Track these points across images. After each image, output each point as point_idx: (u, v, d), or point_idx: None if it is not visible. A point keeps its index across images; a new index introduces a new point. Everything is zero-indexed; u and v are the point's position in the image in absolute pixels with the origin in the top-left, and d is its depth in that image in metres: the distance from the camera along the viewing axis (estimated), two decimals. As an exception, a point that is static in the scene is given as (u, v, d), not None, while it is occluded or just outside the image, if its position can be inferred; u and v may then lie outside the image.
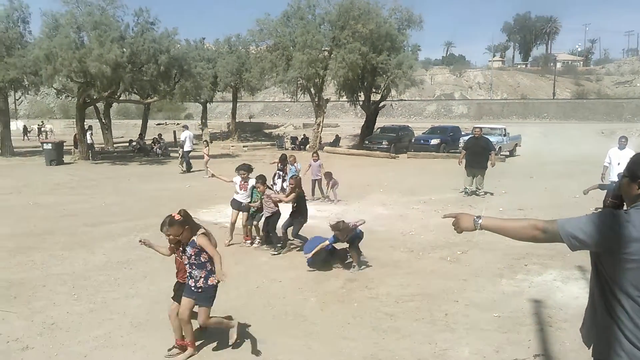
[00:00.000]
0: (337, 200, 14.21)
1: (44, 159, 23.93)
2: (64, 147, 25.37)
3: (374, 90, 34.12)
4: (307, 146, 33.43)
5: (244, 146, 35.96)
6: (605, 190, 11.89)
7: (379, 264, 8.22)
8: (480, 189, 14.73)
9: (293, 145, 35.04)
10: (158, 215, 11.74)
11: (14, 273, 7.72)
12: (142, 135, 34.19)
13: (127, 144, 33.94)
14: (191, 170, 21.48)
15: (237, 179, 9.62)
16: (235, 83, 40.06)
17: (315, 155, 15.08)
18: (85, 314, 6.13)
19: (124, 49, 24.53)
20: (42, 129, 45.05)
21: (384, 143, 30.55)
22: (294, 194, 8.95)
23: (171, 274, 7.60)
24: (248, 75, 37.02)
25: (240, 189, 9.56)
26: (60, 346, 5.29)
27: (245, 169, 9.59)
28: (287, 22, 32.25)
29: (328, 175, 14.59)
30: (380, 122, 37.47)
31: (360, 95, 35.08)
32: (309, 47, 29.43)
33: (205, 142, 22.16)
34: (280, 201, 9.04)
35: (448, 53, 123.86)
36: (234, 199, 9.72)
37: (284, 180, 12.83)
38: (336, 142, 35.26)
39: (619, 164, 11.78)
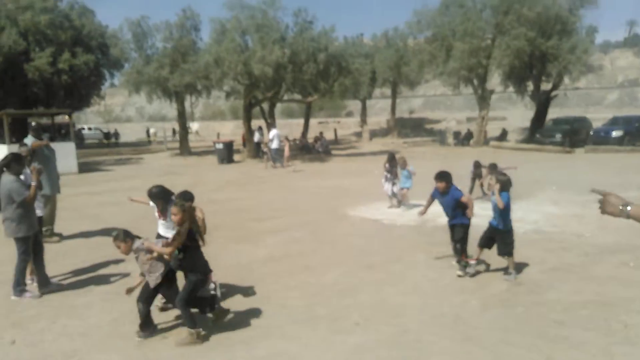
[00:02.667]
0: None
1: (216, 158, 25.81)
2: (234, 147, 27.21)
3: (544, 78, 31.92)
4: (471, 141, 32.22)
5: (403, 142, 35.77)
6: None
7: (549, 268, 7.55)
8: None
9: (456, 141, 33.99)
10: (318, 210, 12.18)
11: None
12: (304, 134, 35.50)
13: (291, 143, 35.46)
14: (278, 166, 23.06)
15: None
16: (394, 78, 39.92)
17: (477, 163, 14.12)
18: (248, 304, 6.38)
19: (285, 50, 25.61)
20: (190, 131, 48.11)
21: (557, 136, 28.43)
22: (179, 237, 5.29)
23: (328, 268, 7.78)
24: (407, 69, 36.71)
25: (159, 218, 6.59)
26: (223, 332, 5.55)
27: (155, 195, 6.49)
28: (446, 11, 31.40)
29: (493, 168, 13.01)
30: (553, 113, 34.88)
31: (528, 85, 33.02)
32: (470, 36, 28.37)
33: (286, 138, 23.27)
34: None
35: (631, 33, 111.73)
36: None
37: (394, 185, 12.31)
38: (503, 136, 33.61)
39: None
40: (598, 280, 6.93)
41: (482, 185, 13.53)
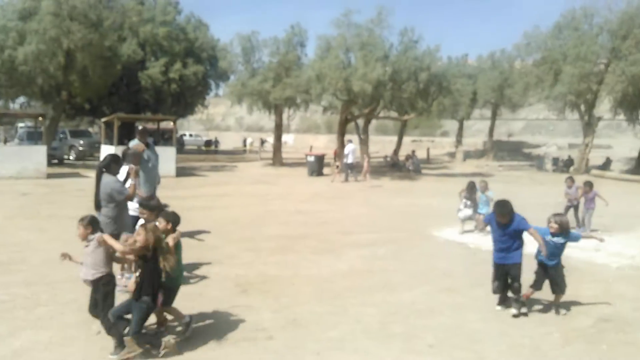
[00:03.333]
0: (590, 231, 11.95)
1: (306, 170, 26.29)
2: (324, 160, 27.60)
3: (659, 107, 29.91)
4: (571, 168, 30.73)
5: (499, 165, 34.72)
6: None
7: (641, 306, 7.10)
8: None
9: (554, 167, 32.56)
10: (403, 229, 12.14)
11: (269, 269, 8.59)
12: (396, 151, 35.38)
13: (382, 159, 35.46)
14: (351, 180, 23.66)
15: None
16: (496, 100, 38.96)
17: (587, 187, 12.58)
18: (324, 315, 6.49)
19: (387, 68, 25.72)
20: (264, 142, 48.55)
21: (668, 168, 26.50)
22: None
23: (408, 287, 7.75)
24: (510, 91, 35.72)
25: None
26: (298, 341, 5.68)
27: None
28: (559, 34, 30.29)
29: (588, 185, 12.55)
30: (666, 144, 32.60)
31: (640, 113, 31.08)
32: (582, 60, 27.20)
33: (366, 154, 24.81)
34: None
35: None
36: None
37: (475, 211, 12.00)
38: (606, 165, 31.79)
39: None
40: (698, 325, 6.44)
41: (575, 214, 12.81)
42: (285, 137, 52.44)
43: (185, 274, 6.98)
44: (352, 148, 24.54)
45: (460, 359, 5.33)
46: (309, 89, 27.55)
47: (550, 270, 6.74)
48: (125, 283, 7.07)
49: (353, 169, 24.45)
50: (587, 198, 12.42)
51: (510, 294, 6.75)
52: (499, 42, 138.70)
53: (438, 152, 46.65)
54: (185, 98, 38.45)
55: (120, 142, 22.40)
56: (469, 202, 12.08)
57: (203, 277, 7.97)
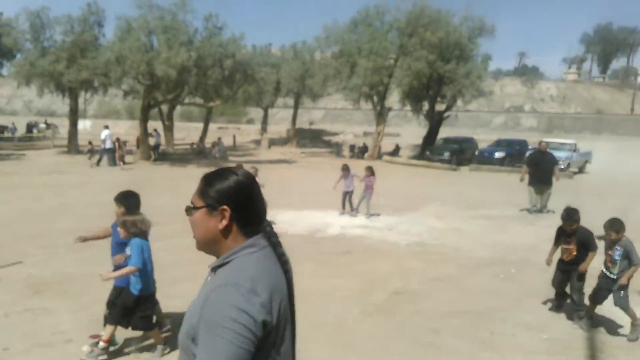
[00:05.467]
0: (370, 215, 12.80)
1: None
2: (127, 148, 26.29)
3: (439, 99, 33.43)
4: (366, 154, 33.18)
5: (301, 152, 36.15)
6: None
7: (428, 278, 7.95)
8: (545, 207, 14.01)
9: (351, 153, 34.85)
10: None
11: (67, 267, 7.94)
12: (202, 138, 34.97)
13: (188, 147, 34.80)
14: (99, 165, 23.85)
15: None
16: (298, 89, 40.36)
17: (369, 171, 13.05)
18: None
19: (191, 53, 25.12)
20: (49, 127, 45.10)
21: (445, 154, 29.84)
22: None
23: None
24: (311, 81, 37.24)
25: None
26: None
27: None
28: (355, 28, 32.13)
29: (369, 170, 13.01)
30: (444, 132, 36.75)
31: (424, 105, 34.51)
32: (374, 55, 29.24)
33: (117, 140, 24.69)
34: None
35: (521, 63, 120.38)
36: None
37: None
38: (396, 151, 34.83)
39: None
40: (472, 291, 7.40)
41: None
42: (82, 123, 48.62)
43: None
44: (108, 133, 24.11)
45: (269, 342, 5.44)
46: (107, 72, 25.79)
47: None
48: None
49: (111, 154, 24.10)
50: (367, 182, 12.84)
51: None
52: (302, 34, 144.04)
53: (244, 139, 47.05)
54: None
55: None
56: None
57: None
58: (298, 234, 10.87)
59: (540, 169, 14.03)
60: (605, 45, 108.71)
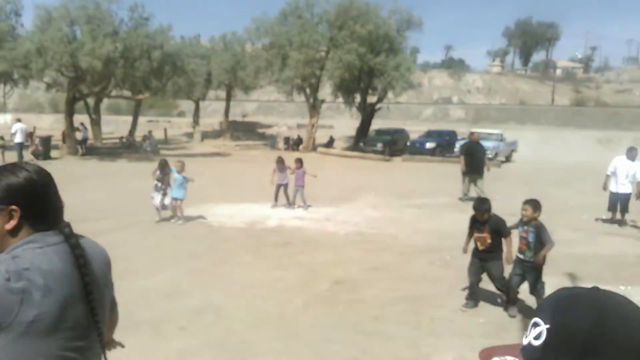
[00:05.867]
0: (307, 206, 12.81)
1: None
2: (52, 142, 25.18)
3: (370, 92, 33.84)
4: (301, 146, 33.23)
5: (236, 145, 35.73)
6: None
7: (368, 267, 8.05)
8: (482, 194, 14.43)
9: (286, 146, 34.81)
10: (144, 212, 11.66)
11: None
12: (131, 132, 33.93)
13: (117, 141, 33.66)
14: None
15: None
16: (230, 81, 39.81)
17: (298, 163, 12.83)
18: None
19: (117, 44, 24.26)
20: None
21: (378, 145, 30.33)
22: None
23: (153, 272, 7.49)
24: (243, 73, 36.84)
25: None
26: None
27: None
28: (285, 20, 32.01)
29: (298, 162, 12.82)
30: (376, 124, 37.31)
31: (356, 97, 34.84)
32: (305, 47, 29.24)
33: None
34: None
35: (447, 56, 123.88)
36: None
37: (165, 195, 10.94)
38: (330, 143, 35.06)
39: (626, 176, 11.45)
40: (410, 278, 7.55)
41: None
42: (2, 117, 46.18)
43: None
44: (19, 127, 23.21)
45: (212, 338, 5.37)
46: (28, 64, 24.52)
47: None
48: None
49: (19, 149, 22.97)
50: (298, 174, 12.68)
51: None
52: (231, 25, 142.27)
53: (175, 132, 45.97)
54: None
55: None
56: (159, 184, 10.99)
57: None
58: (236, 227, 10.77)
59: (476, 160, 14.44)
60: (526, 39, 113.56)
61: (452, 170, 23.40)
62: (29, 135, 23.16)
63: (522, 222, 6.13)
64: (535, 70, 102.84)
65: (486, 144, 29.25)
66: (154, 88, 29.61)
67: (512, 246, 6.25)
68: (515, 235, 6.27)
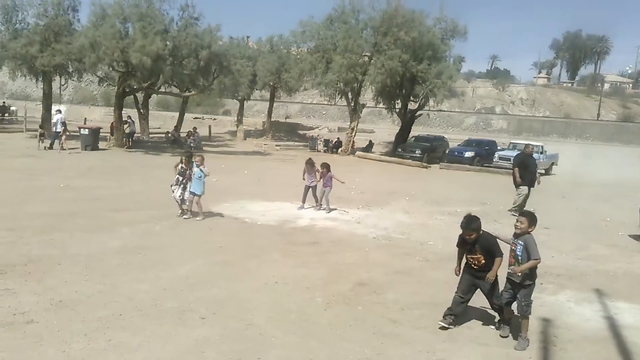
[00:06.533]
0: (331, 209, 12.79)
1: (80, 144, 24.50)
2: (101, 134, 26.02)
3: (411, 98, 33.80)
4: (340, 149, 33.40)
5: (276, 145, 36.17)
6: None
7: (392, 271, 8.14)
8: (516, 205, 14.15)
9: (325, 148, 35.02)
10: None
11: (33, 250, 7.90)
12: (177, 128, 34.74)
13: (163, 135, 34.55)
14: (52, 148, 23.73)
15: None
16: (274, 82, 40.32)
17: (324, 169, 12.83)
18: (94, 295, 6.23)
19: (167, 42, 24.99)
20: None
21: (417, 152, 30.27)
22: None
23: (183, 262, 7.78)
24: (287, 75, 37.23)
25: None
26: (63, 323, 5.39)
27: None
28: (330, 25, 32.32)
29: (325, 167, 12.83)
30: (416, 131, 37.22)
31: (397, 103, 34.82)
32: (349, 52, 29.43)
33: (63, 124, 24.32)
34: None
35: (493, 67, 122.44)
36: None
37: (184, 189, 10.89)
38: (369, 147, 35.12)
39: None
40: (433, 284, 7.60)
41: None
42: (57, 108, 47.83)
43: None
44: (59, 117, 24.48)
45: (231, 329, 5.56)
46: (82, 58, 25.50)
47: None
48: None
49: (54, 138, 24.12)
50: (325, 178, 12.75)
51: None
52: (279, 28, 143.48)
53: (220, 130, 46.84)
54: None
55: None
56: (180, 178, 10.89)
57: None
58: (268, 224, 11.00)
59: (530, 172, 14.20)
60: (574, 52, 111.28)
61: (489, 180, 23.23)
62: (63, 125, 24.09)
63: (515, 235, 5.79)
64: (582, 84, 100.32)
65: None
66: (201, 86, 30.26)
67: (499, 266, 5.81)
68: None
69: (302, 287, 7.08)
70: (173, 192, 10.91)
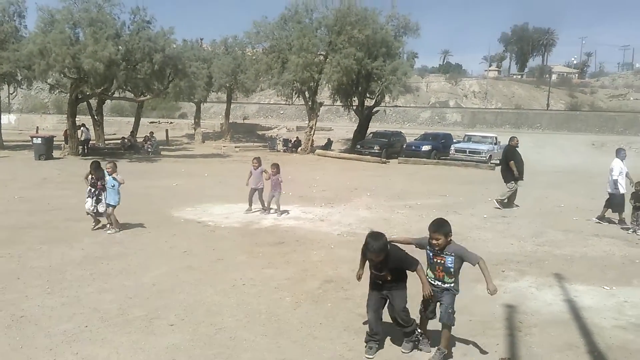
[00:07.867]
0: (282, 212, 12.37)
1: (33, 153, 23.85)
2: (54, 142, 25.37)
3: (368, 95, 34.14)
4: (299, 148, 33.46)
5: (235, 147, 35.98)
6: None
7: (357, 266, 8.19)
8: (503, 197, 14.13)
9: (285, 148, 35.03)
10: (143, 212, 11.85)
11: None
12: (133, 133, 34.18)
13: (119, 141, 33.94)
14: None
15: None
16: (230, 84, 40.05)
17: (274, 169, 12.42)
18: (57, 308, 6.10)
19: (119, 47, 24.56)
20: None
21: (375, 148, 30.62)
22: None
23: (147, 270, 7.68)
24: (243, 76, 37.11)
25: None
26: (26, 339, 5.26)
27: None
28: (284, 25, 32.33)
29: (274, 167, 12.41)
30: (374, 127, 37.54)
31: (354, 100, 35.12)
32: (304, 51, 29.49)
33: None
34: None
35: (445, 61, 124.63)
36: None
37: (98, 201, 10.04)
38: (328, 145, 35.27)
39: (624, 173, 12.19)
40: (398, 278, 7.70)
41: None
42: (6, 117, 46.45)
43: None
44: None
45: (201, 334, 5.53)
46: (31, 65, 24.80)
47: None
48: None
49: None
50: (274, 181, 12.28)
51: None
52: (231, 29, 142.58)
53: (177, 133, 46.21)
54: None
55: None
56: (93, 189, 10.08)
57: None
58: (232, 226, 10.97)
59: (520, 166, 14.26)
60: (522, 45, 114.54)
61: (447, 172, 23.67)
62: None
63: (436, 249, 5.17)
64: (531, 76, 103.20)
65: (481, 147, 29.57)
66: (156, 90, 29.86)
67: (425, 275, 5.27)
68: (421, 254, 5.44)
69: (270, 287, 7.09)
70: (87, 203, 10.09)
